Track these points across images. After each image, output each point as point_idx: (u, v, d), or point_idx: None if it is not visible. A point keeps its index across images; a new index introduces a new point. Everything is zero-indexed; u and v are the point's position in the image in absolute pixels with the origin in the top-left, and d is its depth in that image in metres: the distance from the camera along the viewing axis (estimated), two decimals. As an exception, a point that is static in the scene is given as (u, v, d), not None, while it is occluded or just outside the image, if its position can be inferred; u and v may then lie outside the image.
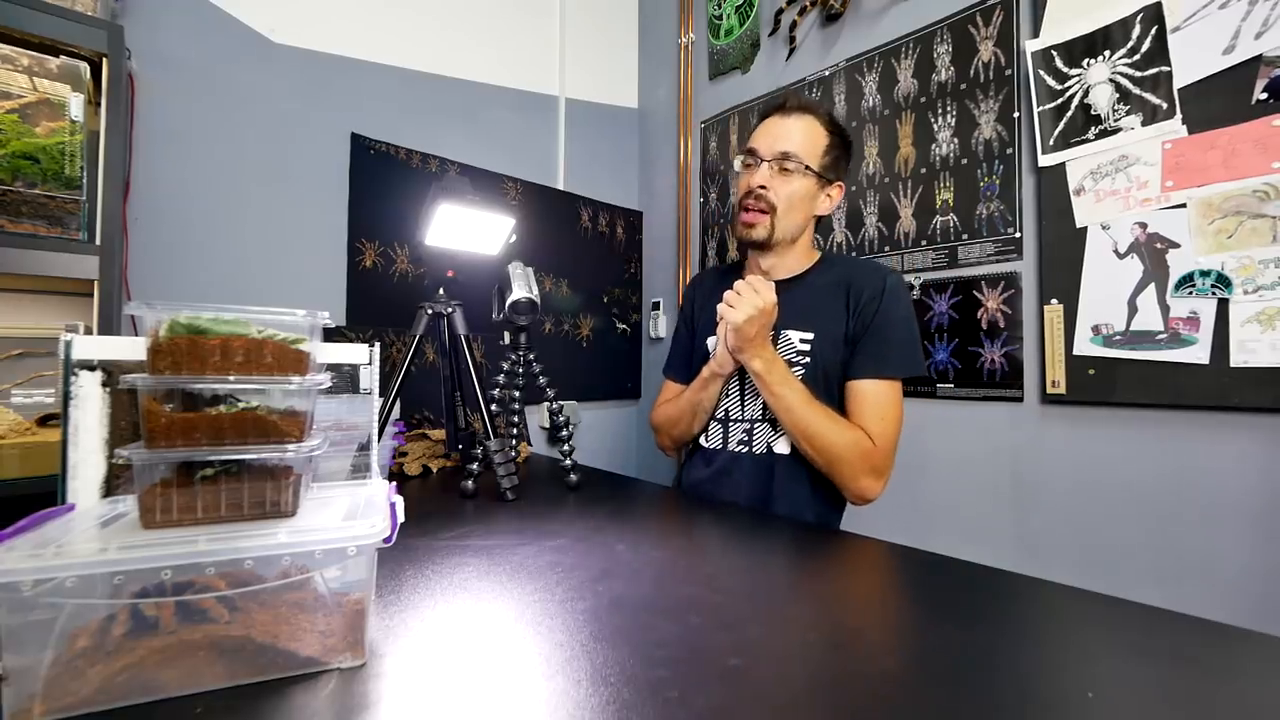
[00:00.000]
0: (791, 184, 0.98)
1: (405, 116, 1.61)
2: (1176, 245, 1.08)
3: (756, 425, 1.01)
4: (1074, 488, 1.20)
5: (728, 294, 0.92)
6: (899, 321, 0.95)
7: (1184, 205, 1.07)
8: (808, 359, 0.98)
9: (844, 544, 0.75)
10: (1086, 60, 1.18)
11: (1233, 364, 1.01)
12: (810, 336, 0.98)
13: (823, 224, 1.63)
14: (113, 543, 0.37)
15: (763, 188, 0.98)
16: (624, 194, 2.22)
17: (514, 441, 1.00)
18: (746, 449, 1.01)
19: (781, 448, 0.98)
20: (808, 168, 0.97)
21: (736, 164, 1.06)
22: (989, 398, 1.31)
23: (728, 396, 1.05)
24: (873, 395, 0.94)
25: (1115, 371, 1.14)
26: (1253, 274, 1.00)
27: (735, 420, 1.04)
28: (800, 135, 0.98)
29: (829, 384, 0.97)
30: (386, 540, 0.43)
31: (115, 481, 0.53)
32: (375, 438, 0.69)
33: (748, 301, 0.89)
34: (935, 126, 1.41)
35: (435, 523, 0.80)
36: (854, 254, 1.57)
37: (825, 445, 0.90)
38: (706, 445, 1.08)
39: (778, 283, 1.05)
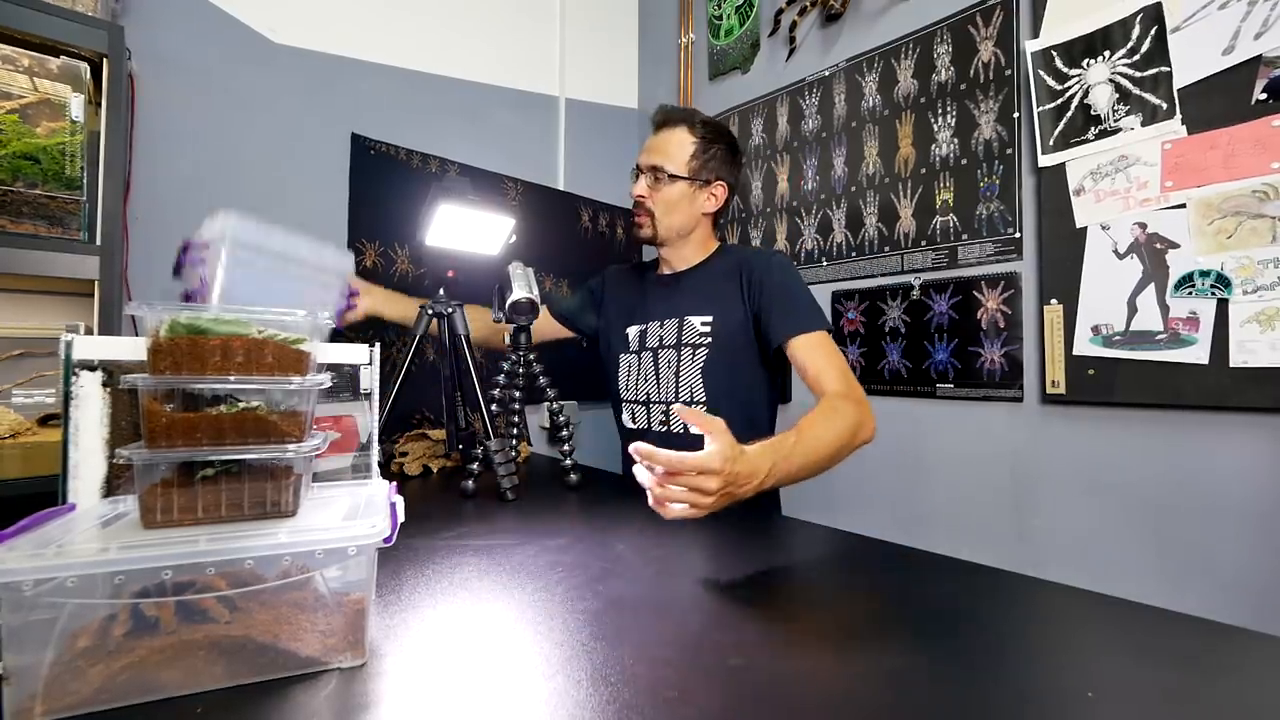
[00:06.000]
0: (664, 192, 1.08)
1: (405, 116, 1.61)
2: (1176, 245, 1.08)
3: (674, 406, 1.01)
4: (1074, 488, 1.20)
5: (675, 502, 0.63)
6: (792, 286, 1.02)
7: (1183, 205, 1.07)
8: (709, 338, 1.05)
9: (844, 544, 0.75)
10: (1086, 60, 1.18)
11: (1232, 364, 1.01)
12: (710, 319, 1.06)
13: (822, 226, 1.64)
14: (113, 543, 0.37)
15: (641, 196, 1.09)
16: (624, 194, 2.20)
17: (514, 441, 1.00)
18: (665, 429, 1.07)
19: None
20: (673, 175, 1.07)
21: (632, 175, 1.14)
22: (989, 398, 1.31)
23: (645, 380, 1.10)
24: (818, 346, 0.97)
25: (1115, 371, 1.14)
26: (1252, 274, 1.00)
27: (655, 402, 1.09)
28: (669, 147, 1.08)
29: (734, 356, 1.04)
30: (386, 540, 0.43)
31: (116, 481, 0.53)
32: (375, 438, 0.69)
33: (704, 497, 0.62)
34: (935, 127, 1.41)
35: (435, 523, 0.80)
36: (854, 254, 1.57)
37: (843, 446, 0.83)
38: (632, 426, 1.14)
39: (680, 272, 1.14)
